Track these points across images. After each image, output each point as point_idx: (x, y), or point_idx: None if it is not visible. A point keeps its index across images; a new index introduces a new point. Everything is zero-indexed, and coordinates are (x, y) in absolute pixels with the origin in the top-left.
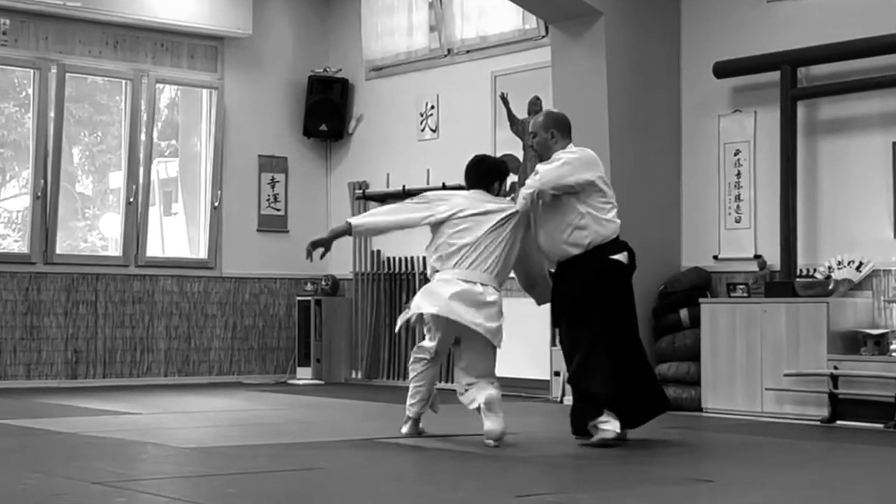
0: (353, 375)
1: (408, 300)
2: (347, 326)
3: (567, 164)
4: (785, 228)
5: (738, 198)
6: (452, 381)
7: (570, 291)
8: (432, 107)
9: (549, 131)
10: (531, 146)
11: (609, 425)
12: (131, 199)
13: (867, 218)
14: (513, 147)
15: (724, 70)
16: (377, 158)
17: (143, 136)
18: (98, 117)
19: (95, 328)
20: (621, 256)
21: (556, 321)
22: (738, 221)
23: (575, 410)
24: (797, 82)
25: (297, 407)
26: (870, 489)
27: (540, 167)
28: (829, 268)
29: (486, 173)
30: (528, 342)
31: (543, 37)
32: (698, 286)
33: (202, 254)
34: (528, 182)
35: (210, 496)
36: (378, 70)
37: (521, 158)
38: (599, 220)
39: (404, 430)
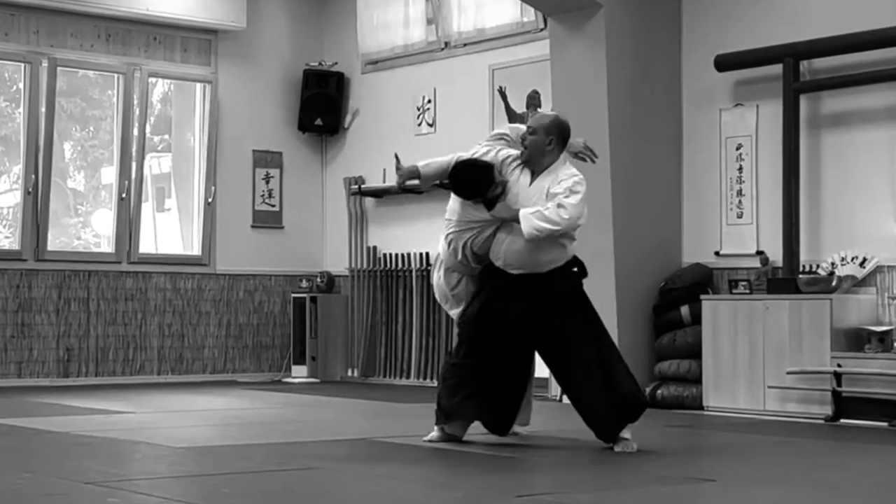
0: (349, 374)
1: (405, 297)
2: (343, 324)
3: (583, 199)
4: (787, 224)
5: (739, 193)
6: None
7: (546, 309)
8: (429, 101)
9: (549, 137)
10: (523, 140)
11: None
12: (124, 195)
13: (871, 213)
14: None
15: (725, 63)
16: (373, 153)
17: (135, 131)
18: (90, 112)
19: (87, 326)
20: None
21: (519, 339)
22: (739, 217)
23: (601, 415)
24: (800, 75)
25: (293, 406)
26: (873, 488)
27: (566, 202)
28: (833, 264)
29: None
30: None
31: (542, 29)
32: (699, 283)
33: (196, 250)
34: (547, 215)
35: (204, 496)
36: (374, 64)
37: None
38: (572, 239)
39: None
